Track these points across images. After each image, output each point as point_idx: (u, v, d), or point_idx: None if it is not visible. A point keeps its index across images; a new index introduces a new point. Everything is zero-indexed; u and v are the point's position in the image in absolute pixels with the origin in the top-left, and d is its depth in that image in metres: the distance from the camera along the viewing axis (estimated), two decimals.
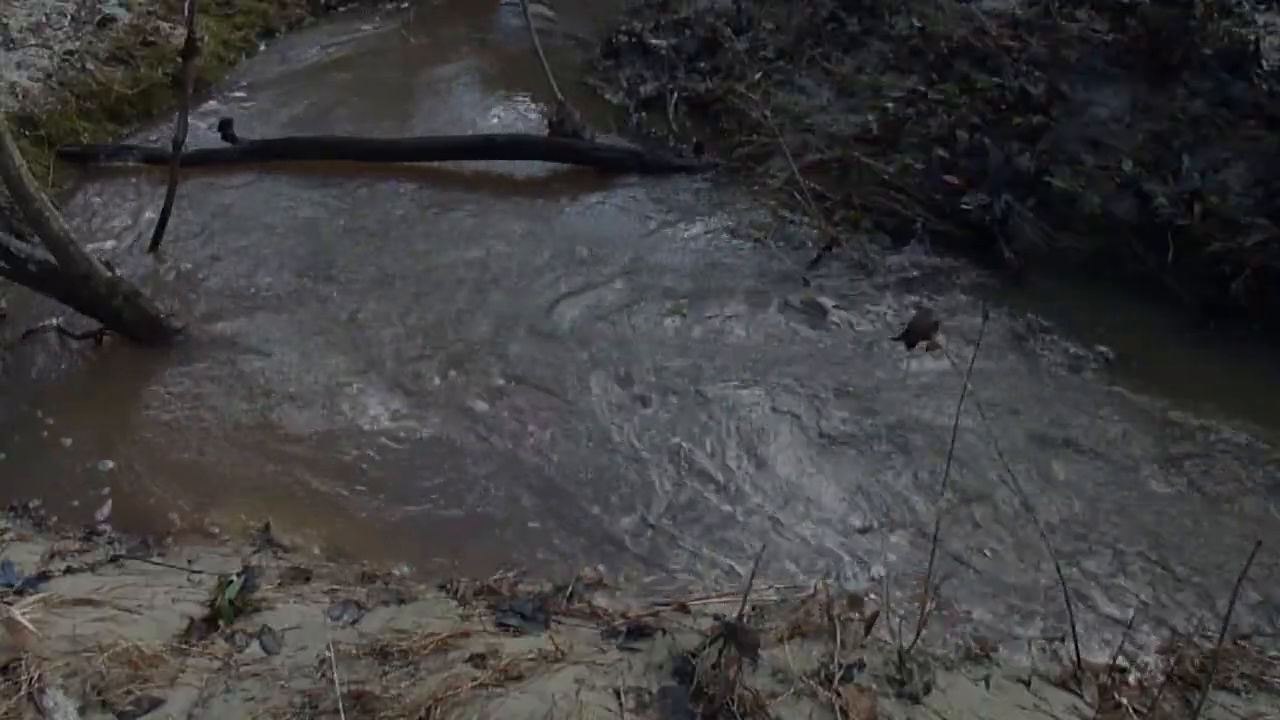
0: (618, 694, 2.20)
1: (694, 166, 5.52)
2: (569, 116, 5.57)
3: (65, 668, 2.25)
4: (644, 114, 6.08)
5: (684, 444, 3.70)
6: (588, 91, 6.33)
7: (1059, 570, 2.63)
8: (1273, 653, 2.77)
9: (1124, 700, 2.36)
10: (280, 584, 2.86)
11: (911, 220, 4.88)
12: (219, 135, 5.48)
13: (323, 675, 2.30)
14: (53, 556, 2.95)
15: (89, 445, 3.69)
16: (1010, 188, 4.74)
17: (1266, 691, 2.57)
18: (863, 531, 3.37)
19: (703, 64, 6.31)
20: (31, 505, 3.42)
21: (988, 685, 2.38)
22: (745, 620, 2.24)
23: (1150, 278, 4.45)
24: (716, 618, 2.44)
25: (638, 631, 2.44)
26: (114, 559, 2.97)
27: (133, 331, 4.12)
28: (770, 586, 2.77)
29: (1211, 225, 4.36)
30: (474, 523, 3.41)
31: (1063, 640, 2.73)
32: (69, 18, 6.19)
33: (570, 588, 2.86)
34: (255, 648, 2.45)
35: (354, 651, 2.40)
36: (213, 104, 6.17)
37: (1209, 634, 2.93)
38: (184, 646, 2.43)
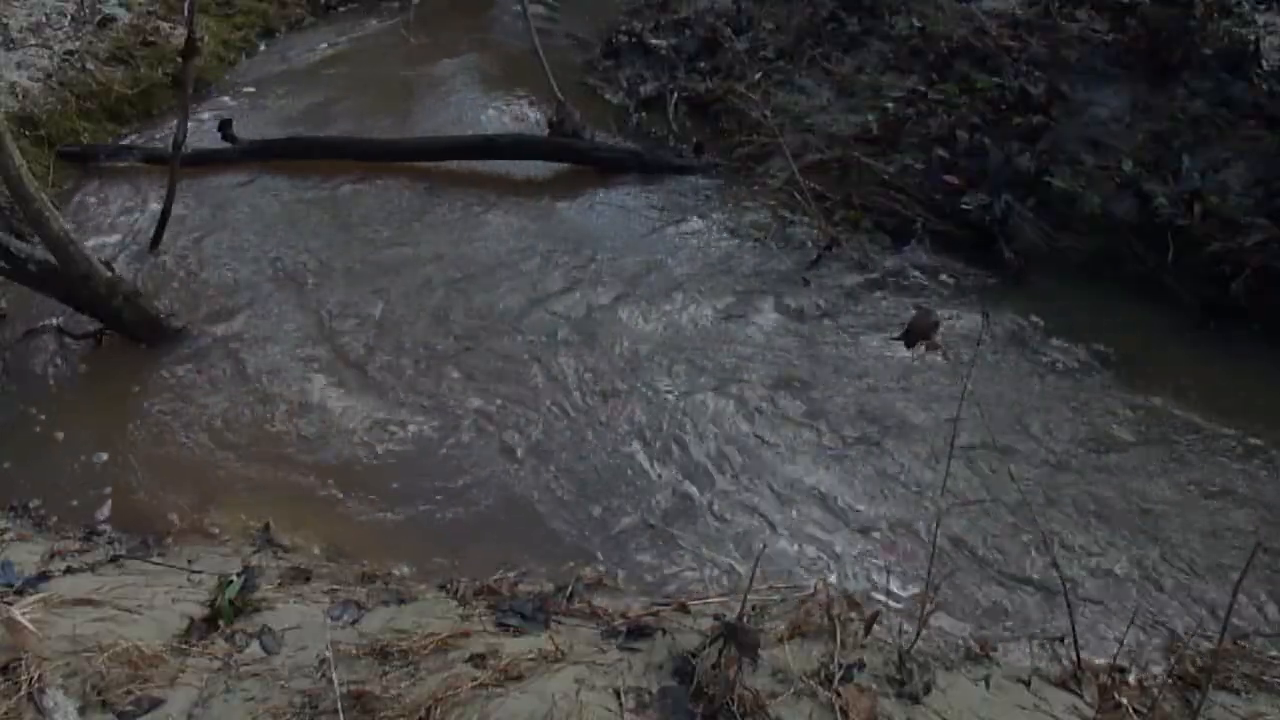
0: (618, 694, 2.20)
1: (694, 166, 5.52)
2: (569, 116, 5.58)
3: (65, 668, 2.26)
4: (644, 114, 6.08)
5: (684, 443, 3.70)
6: (588, 91, 6.34)
7: (1059, 570, 2.63)
8: (1273, 653, 2.77)
9: (1124, 700, 2.36)
10: (280, 584, 2.86)
11: (911, 220, 4.88)
12: (219, 135, 5.48)
13: (322, 675, 2.30)
14: (53, 556, 2.95)
15: (89, 445, 3.69)
16: (1010, 188, 4.74)
17: (1266, 691, 2.57)
18: (863, 531, 3.37)
19: (703, 64, 6.32)
20: (31, 505, 3.42)
21: (988, 685, 2.38)
22: (745, 620, 2.24)
23: (1150, 278, 4.45)
24: (716, 618, 2.45)
25: (638, 631, 2.45)
26: (114, 559, 2.98)
27: (133, 331, 4.12)
28: (770, 586, 2.77)
29: (1211, 225, 4.37)
30: (474, 523, 3.41)
31: (1063, 640, 2.73)
32: (69, 18, 6.20)
33: (570, 588, 2.87)
34: (255, 648, 2.45)
35: (354, 651, 2.41)
36: (213, 103, 6.18)
37: (1209, 634, 2.93)
38: (184, 646, 2.43)
